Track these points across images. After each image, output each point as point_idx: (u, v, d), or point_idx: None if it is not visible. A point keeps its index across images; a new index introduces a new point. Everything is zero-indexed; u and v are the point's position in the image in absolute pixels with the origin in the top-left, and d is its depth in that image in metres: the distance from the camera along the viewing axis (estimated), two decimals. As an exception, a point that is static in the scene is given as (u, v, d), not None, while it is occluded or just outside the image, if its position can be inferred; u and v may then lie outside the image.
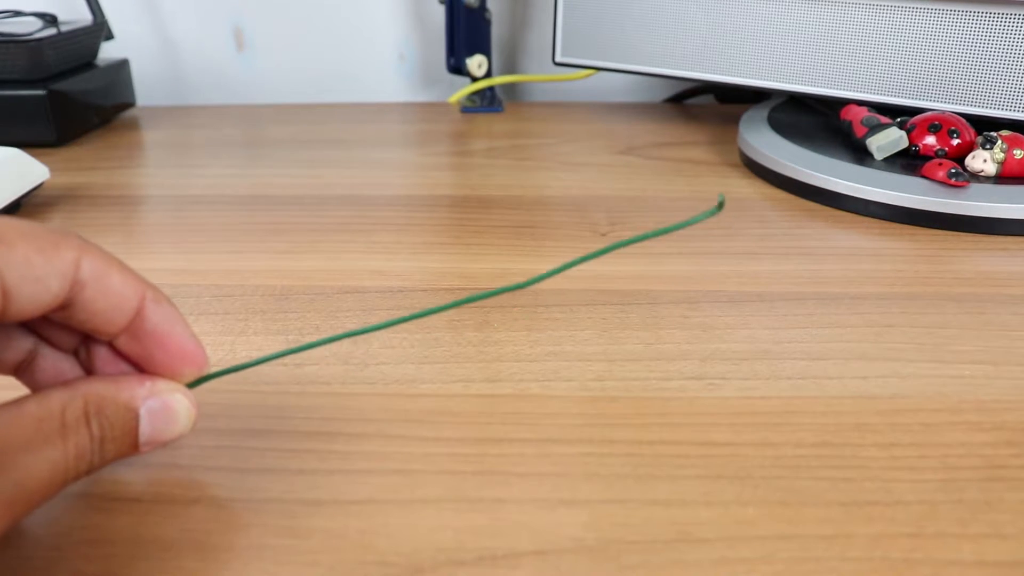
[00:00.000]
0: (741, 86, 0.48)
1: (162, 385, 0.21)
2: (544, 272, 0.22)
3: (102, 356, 0.21)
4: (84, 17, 0.60)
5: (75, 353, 0.22)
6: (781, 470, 0.22)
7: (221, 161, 0.50)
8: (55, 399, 0.19)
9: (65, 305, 0.19)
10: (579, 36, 0.54)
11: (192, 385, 0.22)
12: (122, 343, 0.21)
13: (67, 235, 0.19)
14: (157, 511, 0.21)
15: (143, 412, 0.21)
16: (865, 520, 0.21)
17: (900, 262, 0.35)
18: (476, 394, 0.26)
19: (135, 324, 0.21)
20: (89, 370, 0.22)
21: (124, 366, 0.21)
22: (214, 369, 0.23)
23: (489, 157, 0.51)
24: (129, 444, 0.21)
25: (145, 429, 0.21)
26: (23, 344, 0.21)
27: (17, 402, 0.19)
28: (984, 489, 0.22)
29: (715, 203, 0.22)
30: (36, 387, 0.21)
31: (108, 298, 0.20)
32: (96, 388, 0.20)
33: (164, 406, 0.21)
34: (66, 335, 0.21)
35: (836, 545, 0.20)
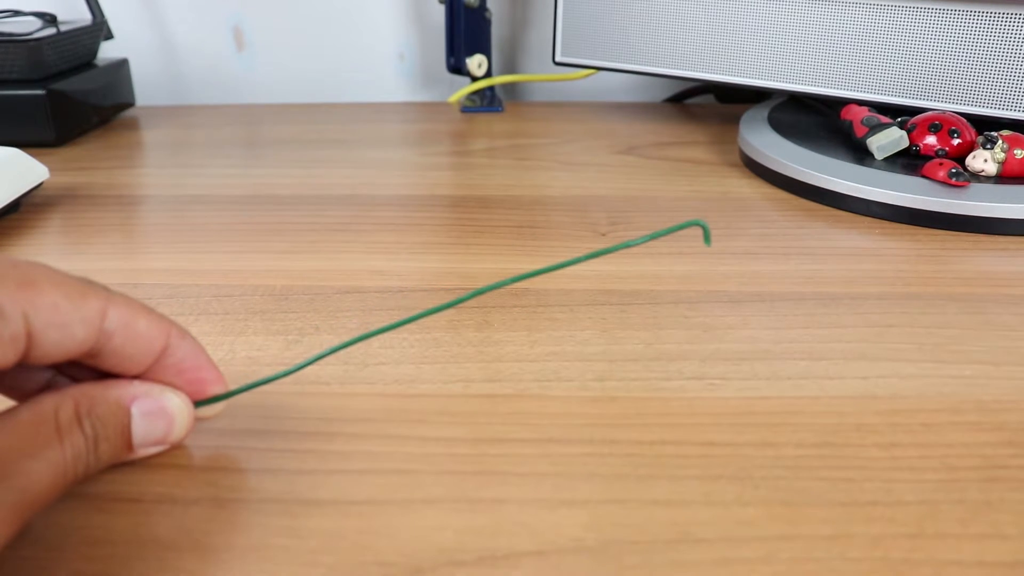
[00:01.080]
0: (741, 86, 0.48)
1: (155, 387, 0.21)
2: (538, 269, 0.22)
3: None
4: (83, 17, 0.60)
5: None
6: (781, 470, 0.22)
7: (221, 161, 0.50)
8: (47, 403, 0.19)
9: (93, 354, 0.20)
10: (579, 36, 0.54)
11: (207, 403, 0.22)
12: (143, 376, 0.21)
13: (94, 285, 0.20)
14: (157, 511, 0.21)
15: (136, 412, 0.21)
16: (866, 520, 0.21)
17: (900, 262, 0.35)
18: (476, 394, 0.26)
19: (159, 360, 0.21)
20: None
21: None
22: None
23: (489, 157, 0.50)
24: (123, 444, 0.21)
25: (138, 429, 0.21)
26: (41, 376, 0.21)
27: (10, 412, 0.19)
28: (985, 489, 0.22)
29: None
30: None
31: (136, 344, 0.20)
32: (85, 389, 0.20)
33: (158, 407, 0.21)
34: (86, 371, 0.22)
35: (837, 545, 0.20)
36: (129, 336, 0.20)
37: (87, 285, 0.20)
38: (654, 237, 0.23)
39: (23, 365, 0.21)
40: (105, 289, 0.20)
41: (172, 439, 0.22)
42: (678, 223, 0.22)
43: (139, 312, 0.20)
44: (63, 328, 0.19)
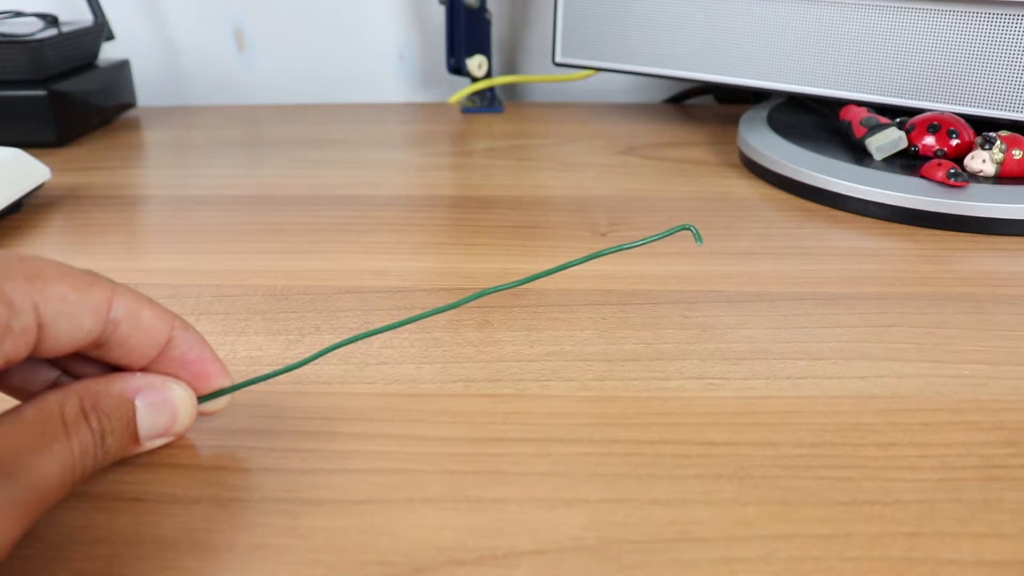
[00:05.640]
0: (741, 86, 0.48)
1: (157, 378, 0.21)
2: (540, 271, 0.23)
3: None
4: (85, 18, 0.60)
5: None
6: (781, 470, 0.22)
7: (222, 161, 0.50)
8: (51, 400, 0.19)
9: (100, 344, 0.20)
10: (579, 36, 0.54)
11: (211, 397, 0.22)
12: (148, 368, 0.21)
13: (98, 276, 0.20)
14: (158, 510, 0.21)
15: (140, 404, 0.21)
16: (864, 519, 0.21)
17: (900, 262, 0.35)
18: (476, 394, 0.26)
19: (163, 352, 0.21)
20: None
21: None
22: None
23: (489, 157, 0.51)
24: (129, 437, 0.21)
25: (143, 421, 0.21)
26: (47, 376, 0.22)
27: (15, 410, 0.19)
28: (983, 488, 0.22)
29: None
30: None
31: (141, 334, 0.20)
32: (88, 384, 0.20)
33: (161, 398, 0.21)
34: (90, 366, 0.22)
35: (835, 544, 0.20)
36: (134, 326, 0.20)
37: (92, 276, 0.20)
38: (648, 241, 0.24)
39: (30, 360, 0.21)
40: (109, 280, 0.20)
41: (176, 429, 0.22)
42: (675, 225, 0.22)
43: (143, 302, 0.21)
44: (72, 318, 0.19)
